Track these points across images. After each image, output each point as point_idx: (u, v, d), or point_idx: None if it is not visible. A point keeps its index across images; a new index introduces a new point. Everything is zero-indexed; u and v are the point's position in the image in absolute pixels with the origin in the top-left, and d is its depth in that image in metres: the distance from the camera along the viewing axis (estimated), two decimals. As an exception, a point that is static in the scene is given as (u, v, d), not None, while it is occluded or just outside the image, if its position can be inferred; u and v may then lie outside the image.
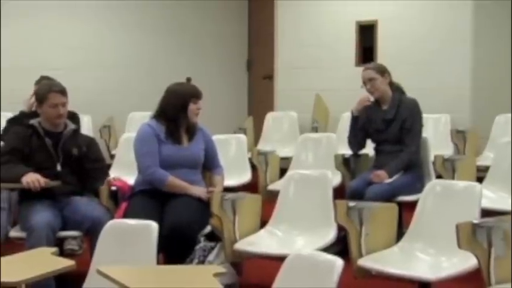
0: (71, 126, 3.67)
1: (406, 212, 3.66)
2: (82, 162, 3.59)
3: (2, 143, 3.99)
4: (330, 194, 3.43)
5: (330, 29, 6.16)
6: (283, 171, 4.37)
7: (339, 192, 3.88)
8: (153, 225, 2.82)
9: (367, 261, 2.91)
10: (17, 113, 4.59)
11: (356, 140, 4.14)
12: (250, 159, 4.69)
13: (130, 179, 3.65)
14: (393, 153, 3.94)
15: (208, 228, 3.39)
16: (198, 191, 3.47)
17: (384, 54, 5.75)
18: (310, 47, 6.27)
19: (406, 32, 5.76)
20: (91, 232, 3.27)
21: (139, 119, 5.32)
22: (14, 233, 3.44)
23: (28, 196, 3.43)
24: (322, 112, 5.88)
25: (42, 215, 3.26)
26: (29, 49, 6.46)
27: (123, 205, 3.41)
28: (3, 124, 4.73)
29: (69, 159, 3.56)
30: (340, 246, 3.19)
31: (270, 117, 6.06)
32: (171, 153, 3.51)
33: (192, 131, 3.61)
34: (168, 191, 3.45)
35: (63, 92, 3.58)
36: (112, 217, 3.30)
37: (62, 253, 3.38)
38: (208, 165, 3.69)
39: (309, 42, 6.28)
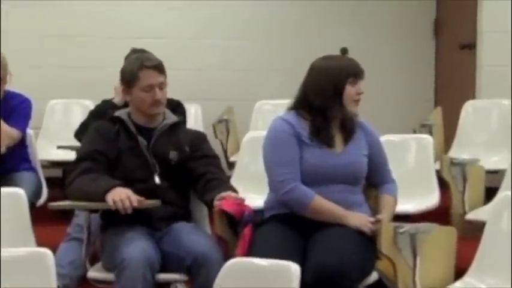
0: (172, 118, 3.77)
1: None
2: (185, 167, 3.67)
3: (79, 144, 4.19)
4: None
5: None
6: (490, 192, 4.31)
7: None
8: (293, 268, 2.86)
9: None
10: (99, 102, 4.81)
11: None
12: (438, 172, 4.66)
13: (258, 198, 3.70)
14: None
15: (374, 276, 3.40)
16: (359, 219, 3.47)
17: None
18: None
19: None
20: (193, 272, 3.36)
21: (270, 111, 5.42)
22: (95, 273, 3.59)
23: (115, 221, 3.58)
24: (555, 100, 5.70)
25: (136, 248, 3.36)
26: (119, 14, 6.77)
27: (247, 236, 3.46)
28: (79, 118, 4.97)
29: (168, 167, 3.66)
30: None
31: (469, 107, 5.99)
32: (318, 161, 3.52)
33: (349, 127, 3.61)
34: (314, 217, 3.47)
35: (159, 68, 3.69)
36: (227, 254, 3.36)
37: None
38: (374, 179, 3.70)
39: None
